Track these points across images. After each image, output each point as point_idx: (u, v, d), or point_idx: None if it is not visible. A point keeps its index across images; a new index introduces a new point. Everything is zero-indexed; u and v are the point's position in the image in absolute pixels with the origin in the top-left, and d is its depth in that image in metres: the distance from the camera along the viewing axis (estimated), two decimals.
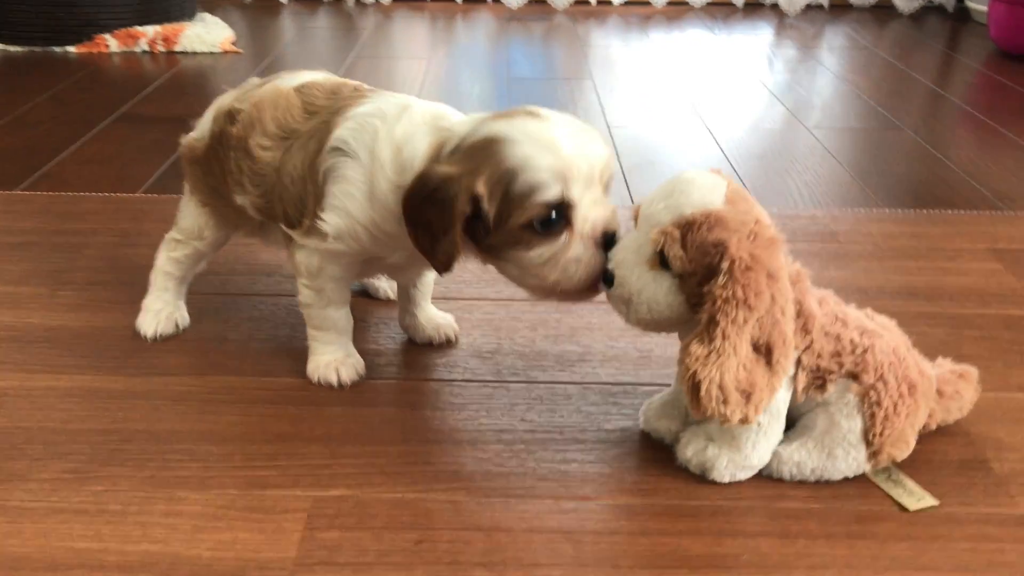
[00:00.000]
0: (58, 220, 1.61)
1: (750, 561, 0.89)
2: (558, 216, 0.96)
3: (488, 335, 1.28)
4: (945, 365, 1.09)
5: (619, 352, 1.24)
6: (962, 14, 3.56)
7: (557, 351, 1.24)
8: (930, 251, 1.55)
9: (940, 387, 1.05)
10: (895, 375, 0.97)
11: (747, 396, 0.90)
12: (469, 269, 1.44)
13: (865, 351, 0.96)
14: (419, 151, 1.02)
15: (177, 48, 2.82)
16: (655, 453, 1.05)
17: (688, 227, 0.91)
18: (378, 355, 1.23)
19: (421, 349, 1.24)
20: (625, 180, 1.88)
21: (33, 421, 1.08)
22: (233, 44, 2.86)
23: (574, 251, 0.97)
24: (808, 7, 3.56)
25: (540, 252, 0.97)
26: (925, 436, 1.04)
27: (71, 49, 2.79)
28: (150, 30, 2.82)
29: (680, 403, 1.05)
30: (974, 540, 0.92)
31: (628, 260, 0.95)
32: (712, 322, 0.89)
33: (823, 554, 0.90)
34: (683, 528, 0.93)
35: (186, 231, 1.26)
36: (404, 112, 1.06)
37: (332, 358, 1.16)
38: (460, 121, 1.04)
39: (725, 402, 0.89)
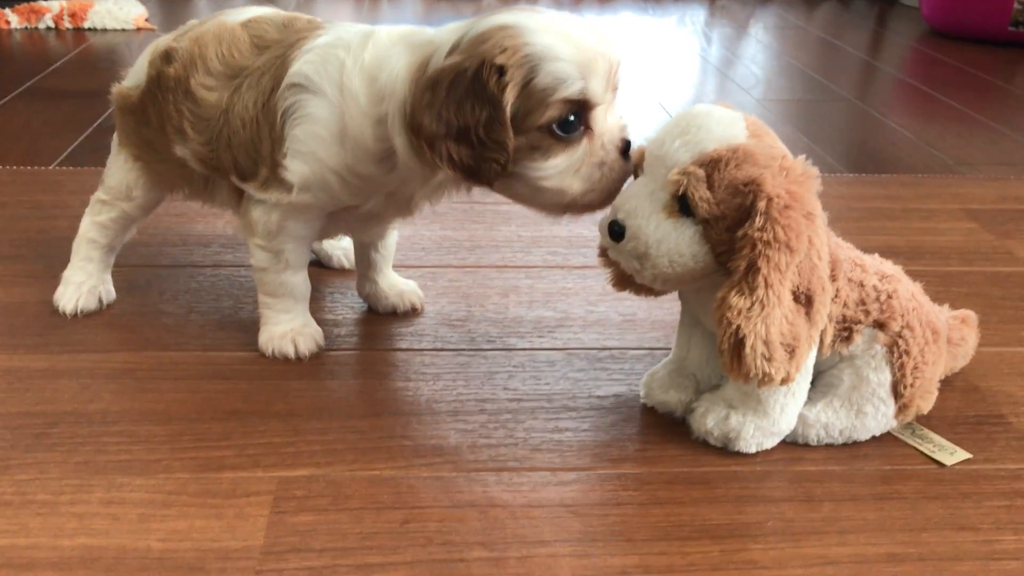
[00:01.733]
0: None
1: (776, 528, 0.80)
2: (577, 118, 0.85)
3: (456, 302, 1.16)
4: (945, 311, 1.02)
5: (601, 316, 1.14)
6: None
7: (533, 317, 1.14)
8: (905, 212, 1.50)
9: (947, 334, 0.98)
10: (919, 321, 0.89)
11: (791, 351, 0.80)
12: (426, 236, 1.33)
13: (889, 297, 0.88)
14: (398, 73, 0.89)
15: (86, 24, 2.62)
16: (655, 419, 0.95)
17: (713, 165, 0.80)
18: (337, 325, 1.11)
19: (384, 319, 1.13)
20: None
21: None
22: (147, 21, 2.68)
23: (598, 155, 0.86)
24: None
25: (559, 160, 0.86)
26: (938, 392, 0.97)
27: None
28: (55, 5, 2.62)
29: (687, 370, 0.95)
30: (1009, 496, 0.85)
31: (641, 208, 0.83)
32: (752, 269, 0.78)
33: (852, 517, 0.82)
34: (698, 496, 0.84)
35: (113, 190, 1.11)
36: (369, 38, 0.93)
37: (288, 328, 1.04)
38: (441, 30, 0.90)
39: (770, 359, 0.79)
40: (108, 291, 1.14)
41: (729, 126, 0.82)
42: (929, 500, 0.84)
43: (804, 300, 0.81)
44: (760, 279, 0.78)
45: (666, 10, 3.28)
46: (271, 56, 0.97)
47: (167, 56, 1.03)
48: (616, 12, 3.26)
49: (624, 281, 0.92)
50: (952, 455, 0.89)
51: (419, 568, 0.75)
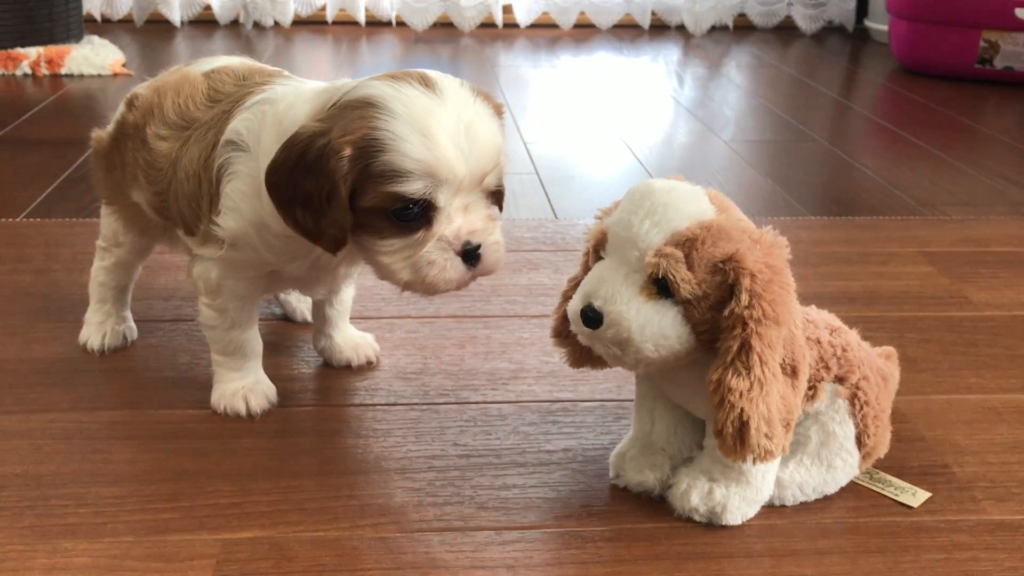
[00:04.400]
0: None
1: None
2: (419, 210, 0.85)
3: (413, 355, 1.17)
4: (873, 350, 1.03)
5: (554, 367, 1.15)
6: (862, 34, 3.62)
7: (488, 368, 1.15)
8: (862, 256, 1.52)
9: None
10: (871, 369, 0.91)
11: (787, 425, 0.80)
12: (385, 286, 1.34)
13: (844, 350, 0.89)
14: (298, 120, 0.88)
15: (63, 71, 2.65)
16: (601, 474, 0.96)
17: (690, 244, 0.79)
18: (292, 380, 1.12)
19: (339, 373, 1.14)
20: (546, 194, 1.81)
21: None
22: (123, 67, 2.71)
23: (428, 253, 0.86)
24: (713, 28, 3.58)
25: (392, 243, 0.86)
26: None
27: None
28: (32, 52, 2.65)
29: (655, 445, 0.93)
30: (946, 550, 0.86)
31: (619, 293, 0.81)
32: (745, 348, 0.78)
33: (791, 573, 0.83)
34: (639, 553, 0.85)
35: (106, 238, 1.16)
36: (296, 92, 0.93)
37: (239, 385, 1.04)
38: (348, 82, 0.90)
39: (771, 437, 0.79)
40: (131, 328, 1.18)
41: (696, 203, 0.82)
42: (870, 554, 0.85)
43: (791, 371, 0.82)
44: (755, 358, 0.78)
45: (640, 50, 3.32)
46: (219, 111, 0.98)
47: (130, 103, 1.06)
48: (591, 52, 3.30)
49: (582, 359, 0.92)
50: (914, 496, 0.92)
51: None
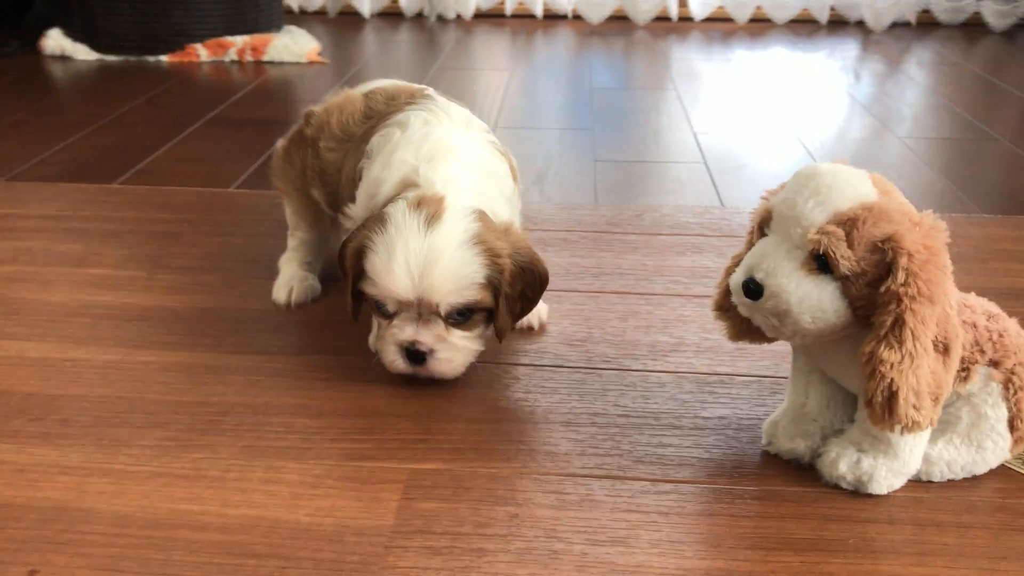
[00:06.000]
0: (154, 210, 1.65)
1: (856, 546, 0.86)
2: (385, 308, 1.06)
3: (578, 324, 1.26)
4: None
5: (713, 343, 1.21)
6: None
7: (649, 341, 1.22)
8: None
9: None
10: None
11: (935, 399, 0.85)
12: (555, 262, 1.44)
13: (1000, 335, 0.92)
14: (387, 182, 1.09)
15: (264, 58, 2.88)
16: (754, 441, 1.02)
17: (851, 224, 0.85)
18: None
19: (511, 337, 1.24)
20: (714, 184, 1.86)
21: (134, 392, 1.10)
22: (319, 55, 2.91)
23: (384, 341, 1.08)
24: (894, 24, 3.50)
25: (377, 321, 1.11)
26: None
27: (163, 58, 2.87)
28: (239, 40, 2.89)
29: (808, 416, 0.98)
30: None
31: (780, 267, 0.87)
32: (899, 323, 0.83)
33: (933, 541, 0.87)
34: (786, 512, 0.91)
35: (288, 223, 1.35)
36: (424, 132, 1.12)
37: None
38: (423, 178, 1.08)
39: (918, 408, 0.84)
40: (312, 286, 1.34)
41: (859, 185, 0.87)
42: (1014, 532, 0.88)
43: (943, 349, 0.86)
44: (908, 332, 0.83)
45: (817, 46, 3.29)
46: (369, 126, 1.18)
47: (307, 119, 1.26)
48: (766, 47, 3.29)
49: (741, 333, 0.98)
50: None
51: (525, 556, 0.85)
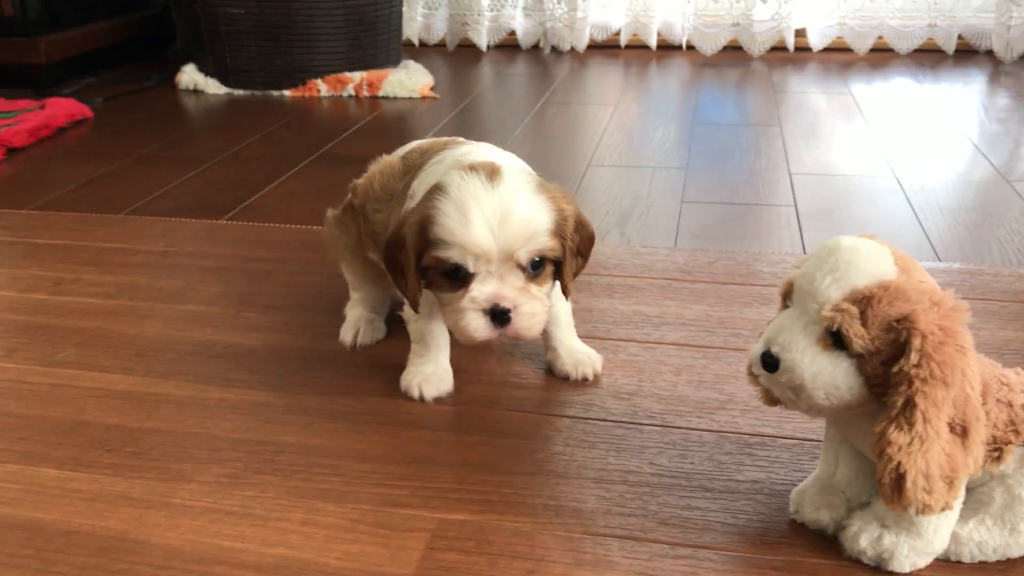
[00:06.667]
0: (250, 247, 1.76)
1: None
2: (461, 273, 1.06)
3: (630, 376, 1.28)
4: None
5: (763, 405, 1.21)
6: None
7: (698, 397, 1.23)
8: None
9: None
10: None
11: (950, 482, 0.84)
12: (620, 310, 1.46)
13: None
14: (420, 191, 1.14)
15: (380, 93, 3.00)
16: (783, 508, 1.02)
17: (866, 302, 0.85)
18: (519, 388, 1.27)
19: (561, 386, 1.27)
20: (800, 229, 1.84)
21: (203, 428, 1.19)
22: (431, 90, 3.02)
23: (462, 309, 1.07)
24: None
25: (444, 296, 1.10)
26: None
27: (286, 93, 3.04)
28: (357, 76, 3.02)
29: (836, 487, 0.98)
30: None
31: (796, 342, 0.88)
32: (910, 405, 0.83)
33: None
34: None
35: (351, 286, 1.43)
36: (455, 158, 1.17)
37: (419, 370, 1.25)
38: (465, 161, 1.12)
39: (930, 492, 0.83)
40: (378, 328, 1.40)
41: (878, 263, 0.87)
42: None
43: (960, 431, 0.85)
44: (918, 415, 0.82)
45: (940, 77, 3.18)
46: (408, 178, 1.24)
47: (353, 190, 1.36)
48: (887, 78, 3.20)
49: (774, 400, 0.97)
50: None
51: None
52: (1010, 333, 1.38)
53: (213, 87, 3.10)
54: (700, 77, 3.28)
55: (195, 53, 3.20)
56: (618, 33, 3.63)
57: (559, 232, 1.08)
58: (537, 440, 1.15)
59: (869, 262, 0.87)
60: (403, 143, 1.38)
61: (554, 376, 1.29)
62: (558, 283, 1.15)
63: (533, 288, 1.09)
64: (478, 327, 1.07)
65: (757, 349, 0.92)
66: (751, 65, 3.41)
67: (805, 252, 1.72)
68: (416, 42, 3.74)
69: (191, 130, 2.77)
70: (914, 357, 0.83)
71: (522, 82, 3.28)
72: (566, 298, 1.17)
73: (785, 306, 0.94)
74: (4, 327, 1.47)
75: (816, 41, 3.48)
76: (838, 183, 2.14)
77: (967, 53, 3.44)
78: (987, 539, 0.92)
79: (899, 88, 3.08)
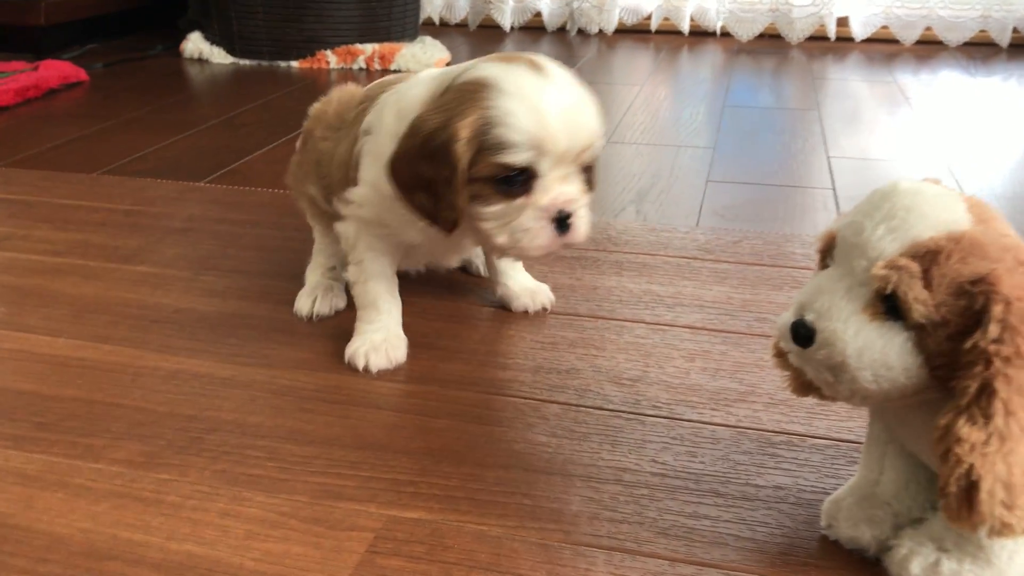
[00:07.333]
0: (223, 209, 1.59)
1: None
2: (522, 179, 0.92)
3: (634, 360, 1.09)
4: None
5: (791, 396, 1.01)
6: None
7: (714, 387, 1.04)
8: None
9: None
10: None
11: None
12: (629, 288, 1.27)
13: None
14: (415, 101, 0.98)
15: (392, 66, 2.83)
16: (812, 521, 0.82)
17: (931, 258, 0.65)
18: (505, 369, 1.08)
19: (554, 370, 1.08)
20: (838, 211, 1.64)
21: (127, 399, 1.01)
22: (447, 64, 2.84)
23: (525, 219, 0.94)
24: None
25: (495, 210, 0.94)
26: None
27: (294, 64, 2.87)
28: (368, 48, 2.85)
29: (880, 498, 0.79)
30: None
31: (836, 308, 0.69)
32: (987, 392, 0.63)
33: None
34: None
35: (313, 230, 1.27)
36: (415, 78, 1.04)
37: (367, 339, 1.08)
38: (459, 65, 0.99)
39: (1010, 507, 0.63)
40: (339, 298, 1.22)
41: (947, 209, 0.68)
42: None
43: None
44: (998, 405, 0.63)
45: (992, 70, 2.96)
46: (360, 110, 1.09)
47: (309, 114, 1.21)
48: (934, 71, 2.99)
49: (806, 387, 0.78)
50: None
51: None
52: None
53: (218, 56, 2.93)
54: (734, 63, 3.08)
55: (202, 20, 3.04)
56: (649, 17, 3.43)
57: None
58: (517, 428, 0.96)
59: (936, 208, 0.68)
60: None
61: (543, 361, 1.10)
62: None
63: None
64: (545, 238, 0.95)
65: (787, 317, 0.73)
66: (789, 53, 3.21)
67: None
68: (437, 20, 3.57)
69: (187, 97, 2.60)
70: (994, 330, 0.63)
71: None
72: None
73: (824, 265, 0.74)
74: None
75: (859, 30, 3.26)
76: (881, 168, 1.94)
77: (1022, 48, 3.21)
78: None
79: (948, 80, 2.86)
